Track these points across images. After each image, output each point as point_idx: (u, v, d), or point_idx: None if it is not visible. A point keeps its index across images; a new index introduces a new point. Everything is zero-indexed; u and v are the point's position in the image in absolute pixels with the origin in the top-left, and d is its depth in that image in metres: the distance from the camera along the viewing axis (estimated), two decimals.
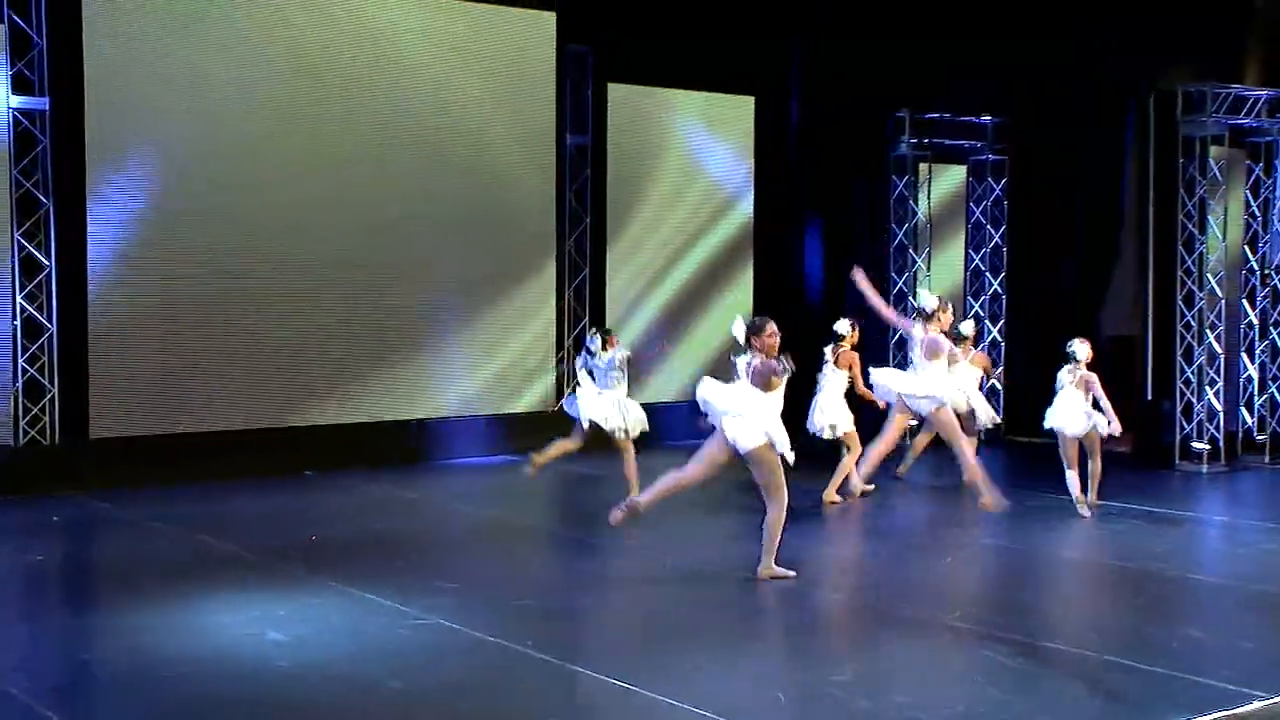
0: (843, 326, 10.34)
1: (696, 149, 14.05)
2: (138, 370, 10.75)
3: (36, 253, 10.44)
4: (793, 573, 7.59)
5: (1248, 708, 5.45)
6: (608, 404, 9.58)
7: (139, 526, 9.27)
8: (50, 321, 10.50)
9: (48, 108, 10.41)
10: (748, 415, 7.25)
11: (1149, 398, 13.05)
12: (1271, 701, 5.53)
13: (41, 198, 10.43)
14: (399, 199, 12.04)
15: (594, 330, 10.32)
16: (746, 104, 14.36)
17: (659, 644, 6.51)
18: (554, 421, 12.97)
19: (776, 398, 7.31)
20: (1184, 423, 12.00)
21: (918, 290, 10.39)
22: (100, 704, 5.56)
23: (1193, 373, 11.98)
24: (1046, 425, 9.62)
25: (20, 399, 10.35)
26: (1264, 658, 6.29)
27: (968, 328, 10.80)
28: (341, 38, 11.65)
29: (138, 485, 10.42)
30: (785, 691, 5.66)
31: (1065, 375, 9.55)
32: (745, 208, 14.37)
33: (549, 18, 12.88)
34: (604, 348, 9.81)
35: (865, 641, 6.55)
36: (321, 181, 11.60)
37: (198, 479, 10.67)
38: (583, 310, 13.44)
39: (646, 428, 9.78)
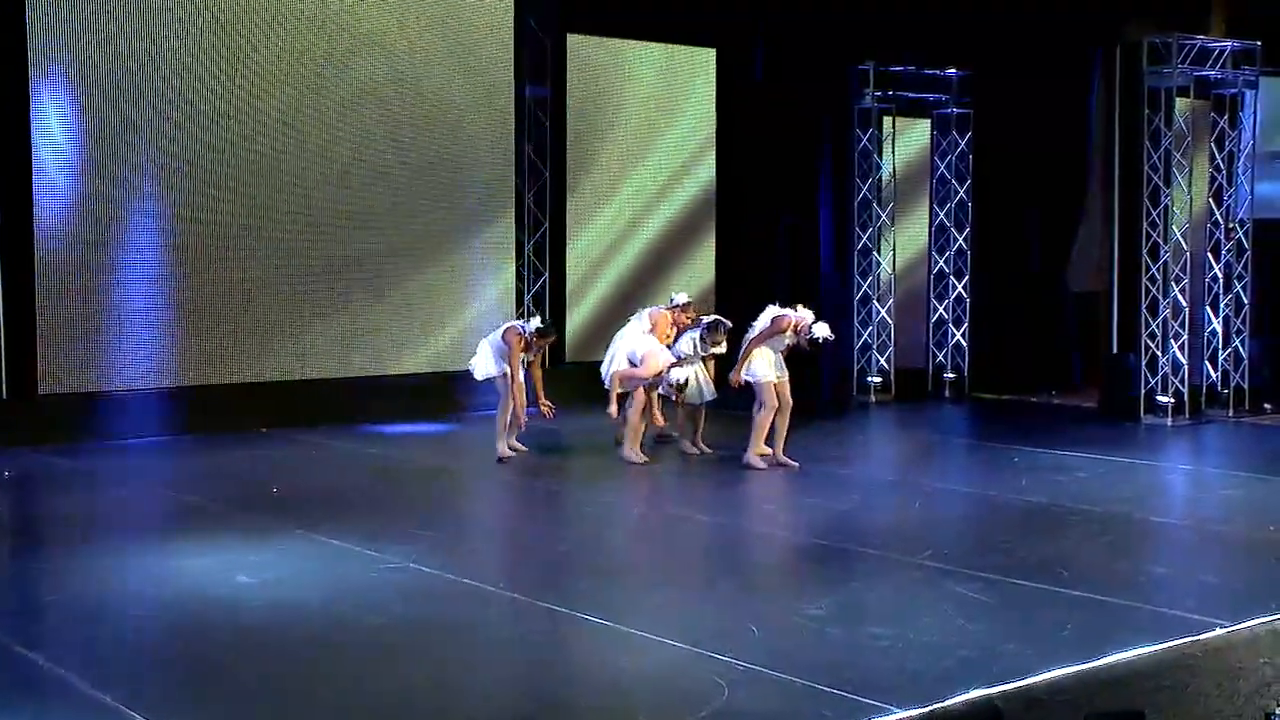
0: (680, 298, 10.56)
1: (659, 102, 14.23)
2: (85, 326, 10.81)
3: None
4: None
5: (1209, 635, 5.78)
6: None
7: (95, 479, 9.40)
8: None
9: None
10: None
11: (1114, 351, 13.45)
12: (1234, 628, 5.86)
13: None
14: (355, 151, 12.15)
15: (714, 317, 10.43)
16: (708, 56, 14.54)
17: (632, 582, 6.77)
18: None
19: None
20: (1149, 376, 12.37)
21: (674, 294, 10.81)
22: (74, 640, 5.71)
23: (1157, 326, 12.34)
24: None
25: None
26: (1225, 590, 6.64)
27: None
28: None
29: (88, 441, 10.52)
30: (759, 624, 5.90)
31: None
32: (708, 162, 14.57)
33: None
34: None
35: (836, 579, 6.81)
36: (274, 135, 11.67)
37: (150, 435, 10.80)
38: (543, 266, 13.61)
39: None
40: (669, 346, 10.03)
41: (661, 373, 9.81)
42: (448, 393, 12.60)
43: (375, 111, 12.26)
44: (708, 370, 10.29)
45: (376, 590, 6.48)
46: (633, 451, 9.87)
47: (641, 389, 9.87)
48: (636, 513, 8.65)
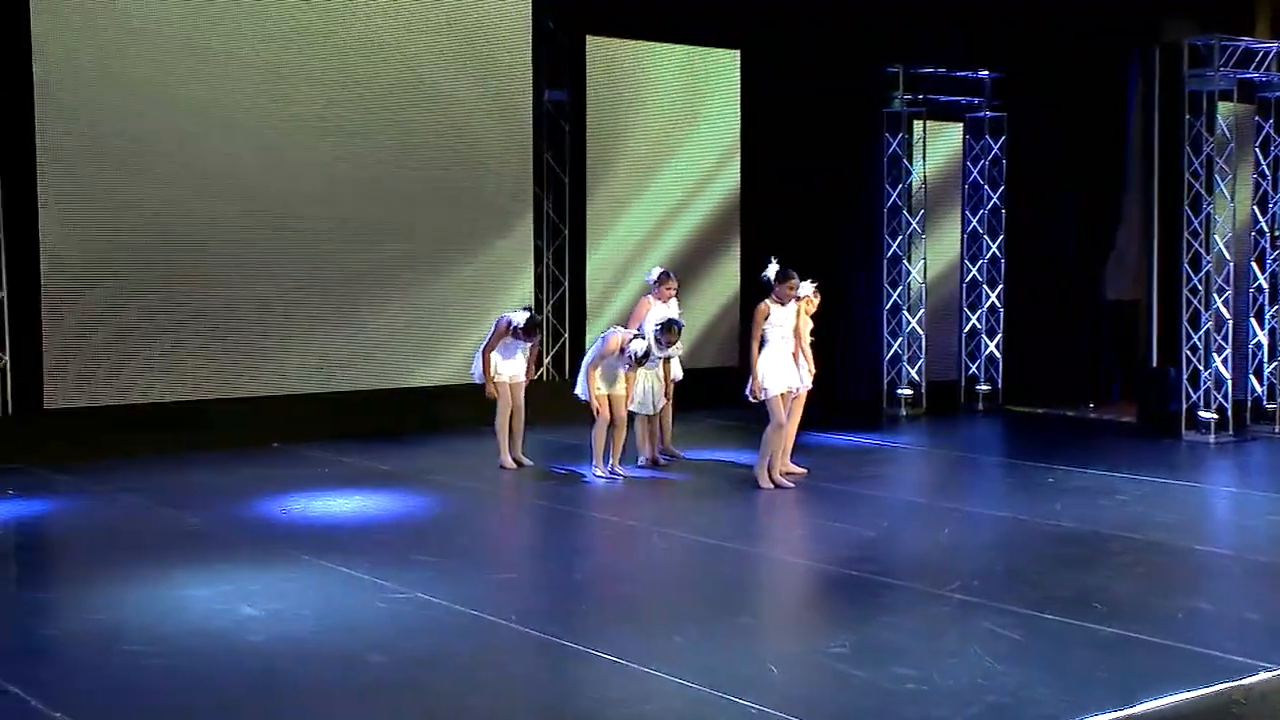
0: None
1: (681, 106, 14.08)
2: (93, 340, 10.77)
3: None
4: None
5: (1253, 679, 5.60)
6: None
7: (100, 500, 9.33)
8: (1, 289, 10.51)
9: None
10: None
11: (1154, 364, 13.23)
12: (1276, 673, 5.68)
13: None
14: (369, 158, 12.07)
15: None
16: (732, 58, 14.39)
17: (646, 617, 6.63)
18: (544, 391, 13.11)
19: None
20: (1190, 391, 12.16)
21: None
22: (67, 680, 5.63)
23: (1199, 339, 12.13)
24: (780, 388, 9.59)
25: None
26: (1270, 629, 6.44)
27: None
28: None
29: (96, 458, 10.48)
30: (779, 664, 5.77)
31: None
32: (733, 167, 14.42)
33: None
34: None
35: (860, 614, 6.66)
36: (285, 145, 11.62)
37: (158, 451, 10.75)
38: (562, 275, 13.50)
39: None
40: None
41: (624, 347, 9.89)
42: (464, 406, 12.49)
43: (389, 117, 12.17)
44: (663, 374, 10.36)
45: (381, 624, 6.37)
46: (597, 466, 10.07)
47: (606, 408, 9.97)
48: (655, 538, 8.51)
